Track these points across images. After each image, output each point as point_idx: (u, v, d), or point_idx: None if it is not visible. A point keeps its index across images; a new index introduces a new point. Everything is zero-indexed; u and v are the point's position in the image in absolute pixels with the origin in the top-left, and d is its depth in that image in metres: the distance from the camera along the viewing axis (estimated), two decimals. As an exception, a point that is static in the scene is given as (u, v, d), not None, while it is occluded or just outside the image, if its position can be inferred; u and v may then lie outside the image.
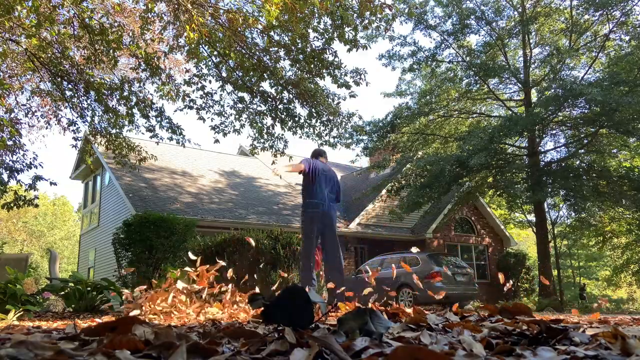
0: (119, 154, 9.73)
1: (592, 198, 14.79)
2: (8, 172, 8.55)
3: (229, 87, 8.64)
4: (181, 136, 9.22)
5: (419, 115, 16.24)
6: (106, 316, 3.76)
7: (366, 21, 6.63)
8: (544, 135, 16.41)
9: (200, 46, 7.36)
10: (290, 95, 8.56)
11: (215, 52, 7.90)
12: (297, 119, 8.86)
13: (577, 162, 16.38)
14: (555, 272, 19.45)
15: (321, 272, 5.05)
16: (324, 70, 7.83)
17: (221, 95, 8.79)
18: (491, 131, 13.83)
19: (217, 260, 3.38)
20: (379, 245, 17.27)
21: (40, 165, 8.68)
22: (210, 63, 8.39)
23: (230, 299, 3.23)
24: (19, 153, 8.75)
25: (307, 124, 8.89)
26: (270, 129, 9.20)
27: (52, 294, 4.82)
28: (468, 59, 16.65)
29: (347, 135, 12.78)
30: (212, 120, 8.99)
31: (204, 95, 8.67)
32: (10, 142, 8.39)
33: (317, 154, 5.34)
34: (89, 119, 9.36)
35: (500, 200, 20.48)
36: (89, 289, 4.69)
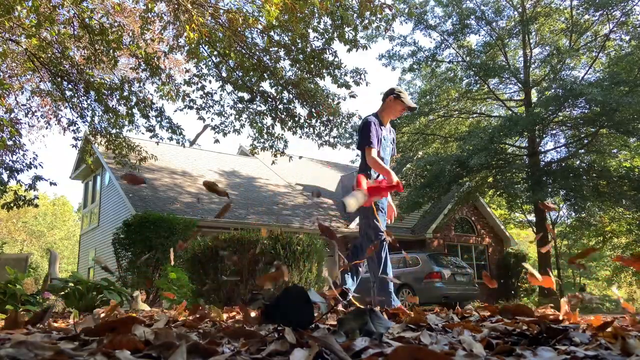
0: (119, 154, 9.74)
1: (592, 198, 14.80)
2: (8, 172, 8.56)
3: (229, 87, 8.65)
4: (181, 136, 9.22)
5: (419, 115, 16.25)
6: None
7: (366, 21, 6.64)
8: (544, 135, 16.42)
9: (200, 46, 7.36)
10: (290, 95, 8.57)
11: (215, 52, 7.91)
12: (297, 119, 8.86)
13: (577, 162, 16.38)
14: (555, 272, 19.44)
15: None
16: (324, 70, 7.84)
17: (221, 95, 8.80)
18: (491, 131, 13.84)
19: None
20: (379, 245, 17.24)
21: (40, 165, 8.69)
22: (210, 63, 8.39)
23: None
24: (19, 153, 8.76)
25: (307, 124, 8.89)
26: (270, 129, 9.21)
27: (52, 294, 4.81)
28: (468, 59, 16.66)
29: (347, 135, 12.78)
30: (212, 120, 9.00)
31: (204, 95, 8.67)
32: (10, 142, 8.39)
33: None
34: (89, 119, 9.37)
35: (500, 200, 20.48)
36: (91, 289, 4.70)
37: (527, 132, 14.79)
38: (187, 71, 9.71)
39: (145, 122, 9.01)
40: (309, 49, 7.61)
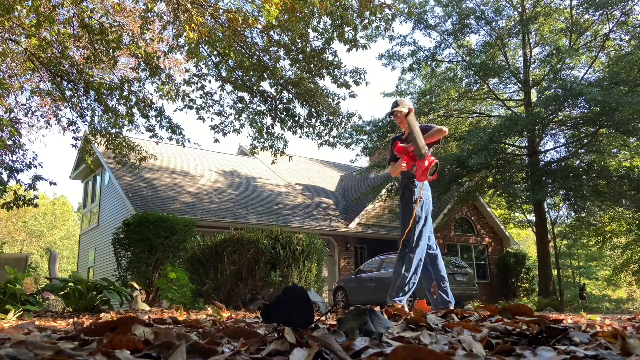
0: (119, 153, 9.73)
1: (592, 198, 14.81)
2: (8, 172, 8.55)
3: (229, 87, 8.64)
4: (181, 136, 9.21)
5: (419, 116, 16.24)
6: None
7: (366, 21, 6.63)
8: (544, 135, 16.42)
9: (200, 46, 7.36)
10: (290, 95, 8.56)
11: (215, 52, 7.90)
12: (297, 119, 8.86)
13: (577, 162, 16.38)
14: (555, 272, 19.45)
15: None
16: (324, 70, 7.84)
17: (221, 95, 8.79)
18: (491, 131, 13.84)
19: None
20: (379, 245, 17.27)
21: (40, 165, 8.68)
22: (210, 63, 8.39)
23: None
24: (19, 153, 8.74)
25: (307, 124, 8.89)
26: (270, 129, 9.20)
27: (52, 294, 4.81)
28: (468, 59, 16.67)
29: (347, 135, 12.78)
30: (212, 120, 9.00)
31: (204, 95, 8.66)
32: (10, 142, 8.39)
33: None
34: (89, 119, 9.36)
35: (500, 200, 20.48)
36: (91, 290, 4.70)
37: (527, 132, 14.79)
38: (187, 71, 9.71)
39: (145, 122, 9.01)
40: (309, 49, 7.60)
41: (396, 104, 3.97)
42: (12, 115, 9.15)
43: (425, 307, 1.71)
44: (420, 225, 3.72)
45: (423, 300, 1.90)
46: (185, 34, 6.09)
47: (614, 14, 14.80)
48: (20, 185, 8.51)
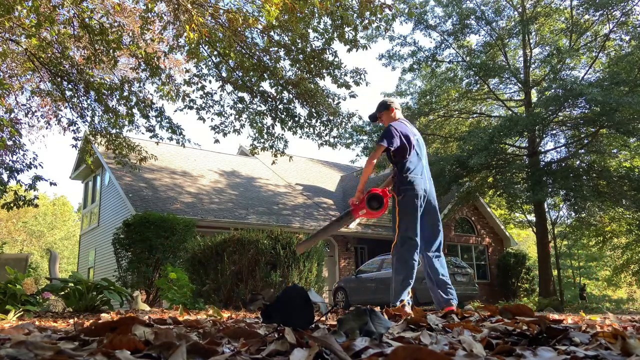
0: (119, 153, 9.73)
1: (592, 198, 14.82)
2: (8, 172, 8.55)
3: (229, 87, 8.64)
4: (181, 136, 9.21)
5: (419, 115, 16.26)
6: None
7: (366, 21, 6.63)
8: (544, 135, 16.43)
9: (200, 46, 7.36)
10: (290, 95, 8.56)
11: (215, 52, 7.90)
12: (297, 119, 8.86)
13: (577, 162, 16.39)
14: (555, 272, 19.45)
15: None
16: (324, 70, 7.84)
17: (221, 95, 8.79)
18: (491, 131, 13.85)
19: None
20: (379, 245, 17.27)
21: (40, 165, 8.67)
22: (210, 63, 8.39)
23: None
24: (19, 153, 8.74)
25: (307, 124, 8.89)
26: (270, 129, 9.21)
27: (52, 294, 4.81)
28: (468, 59, 16.68)
29: (347, 135, 12.81)
30: (212, 120, 9.00)
31: (204, 95, 8.67)
32: (10, 142, 8.39)
33: (391, 106, 4.05)
34: (89, 119, 9.36)
35: (500, 200, 20.48)
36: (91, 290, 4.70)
37: (527, 132, 14.80)
38: (187, 71, 9.70)
39: (145, 122, 9.01)
40: (309, 49, 7.61)
41: (382, 105, 4.09)
42: (12, 115, 9.15)
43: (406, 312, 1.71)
44: (404, 225, 3.65)
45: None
46: (185, 34, 6.09)
47: (614, 14, 14.81)
48: (20, 185, 8.51)
